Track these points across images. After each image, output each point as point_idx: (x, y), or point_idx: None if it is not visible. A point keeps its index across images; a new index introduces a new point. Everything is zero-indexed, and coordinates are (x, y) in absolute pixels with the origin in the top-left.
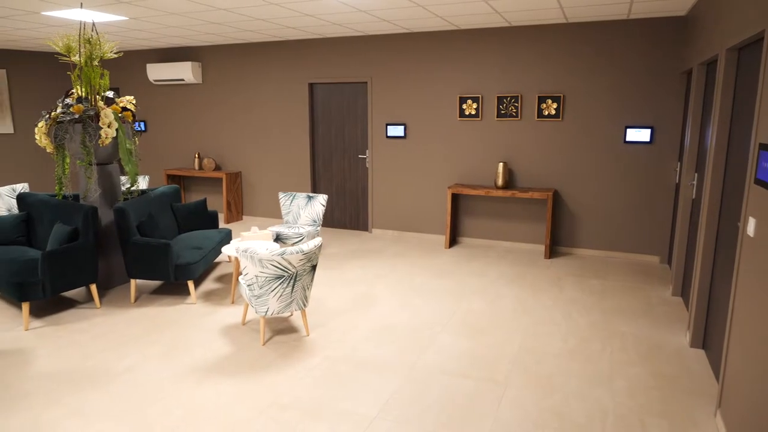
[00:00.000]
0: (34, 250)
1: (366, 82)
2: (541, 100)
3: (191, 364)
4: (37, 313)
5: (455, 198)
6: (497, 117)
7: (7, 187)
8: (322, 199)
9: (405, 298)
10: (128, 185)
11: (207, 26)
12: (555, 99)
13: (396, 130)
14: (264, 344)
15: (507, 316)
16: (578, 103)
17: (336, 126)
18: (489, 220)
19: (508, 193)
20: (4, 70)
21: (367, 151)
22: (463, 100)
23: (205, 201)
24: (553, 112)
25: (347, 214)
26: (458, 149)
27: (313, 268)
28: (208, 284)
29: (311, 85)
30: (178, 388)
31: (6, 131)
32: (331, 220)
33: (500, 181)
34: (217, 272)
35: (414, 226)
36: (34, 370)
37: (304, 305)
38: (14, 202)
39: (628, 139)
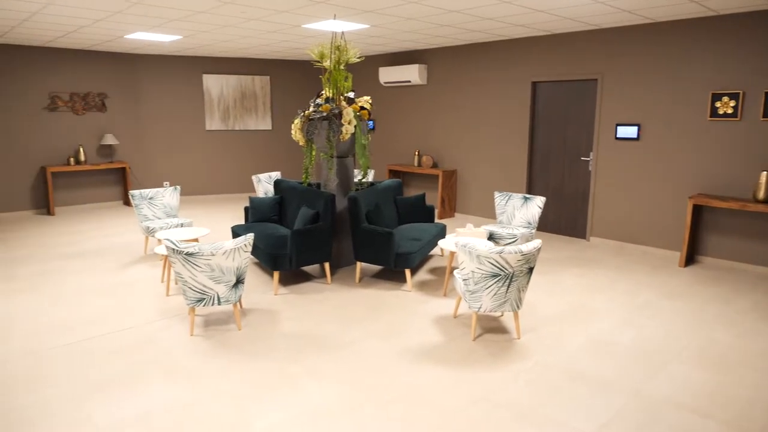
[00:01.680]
0: (284, 228)
1: (595, 80)
2: None
3: (406, 347)
4: (284, 281)
5: (697, 210)
6: (763, 117)
7: (266, 174)
8: (539, 201)
9: (629, 316)
10: (360, 177)
11: (437, 29)
12: None
13: (627, 131)
14: (474, 339)
15: (765, 354)
16: None
17: (558, 125)
18: (741, 238)
19: None
20: (268, 77)
21: (590, 152)
22: (716, 98)
23: (424, 196)
24: None
25: (563, 218)
26: (705, 154)
27: (530, 270)
28: (423, 275)
29: (534, 84)
30: (395, 367)
31: (266, 128)
32: (545, 223)
33: (761, 194)
34: (431, 264)
35: (640, 238)
36: (280, 329)
37: (518, 307)
38: (271, 186)
39: None
